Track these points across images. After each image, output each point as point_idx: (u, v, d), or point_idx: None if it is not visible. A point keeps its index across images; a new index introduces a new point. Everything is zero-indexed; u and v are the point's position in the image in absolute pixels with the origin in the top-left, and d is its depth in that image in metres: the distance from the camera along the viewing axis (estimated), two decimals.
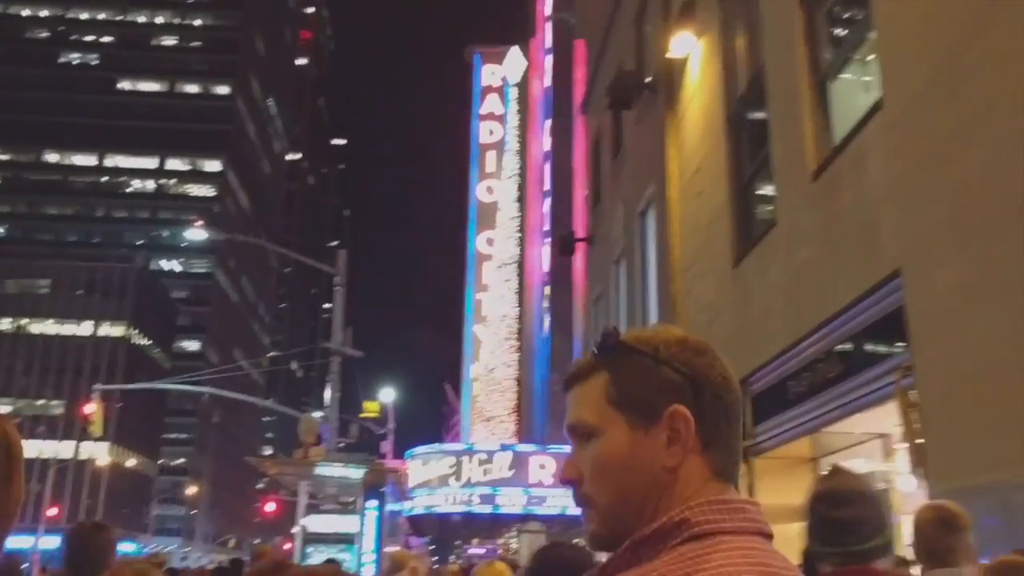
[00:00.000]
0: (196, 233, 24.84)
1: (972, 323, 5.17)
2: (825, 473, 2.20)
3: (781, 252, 8.12)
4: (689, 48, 11.30)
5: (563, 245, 17.96)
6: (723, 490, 1.10)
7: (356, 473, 12.42)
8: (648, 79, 13.17)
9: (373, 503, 11.12)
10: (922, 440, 5.59)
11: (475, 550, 45.82)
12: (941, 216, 5.51)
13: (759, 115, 9.24)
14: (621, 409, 1.14)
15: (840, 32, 7.56)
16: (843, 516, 1.99)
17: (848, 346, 6.81)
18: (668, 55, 11.66)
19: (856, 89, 7.33)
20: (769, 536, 1.08)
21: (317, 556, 11.95)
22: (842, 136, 7.03)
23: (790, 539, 7.55)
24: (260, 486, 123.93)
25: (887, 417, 6.98)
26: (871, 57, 6.83)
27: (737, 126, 9.94)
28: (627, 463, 1.12)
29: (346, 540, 12.15)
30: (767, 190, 8.93)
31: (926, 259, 5.63)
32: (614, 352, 1.19)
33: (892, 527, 2.03)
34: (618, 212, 15.25)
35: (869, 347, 6.46)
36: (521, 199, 38.63)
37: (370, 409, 38.64)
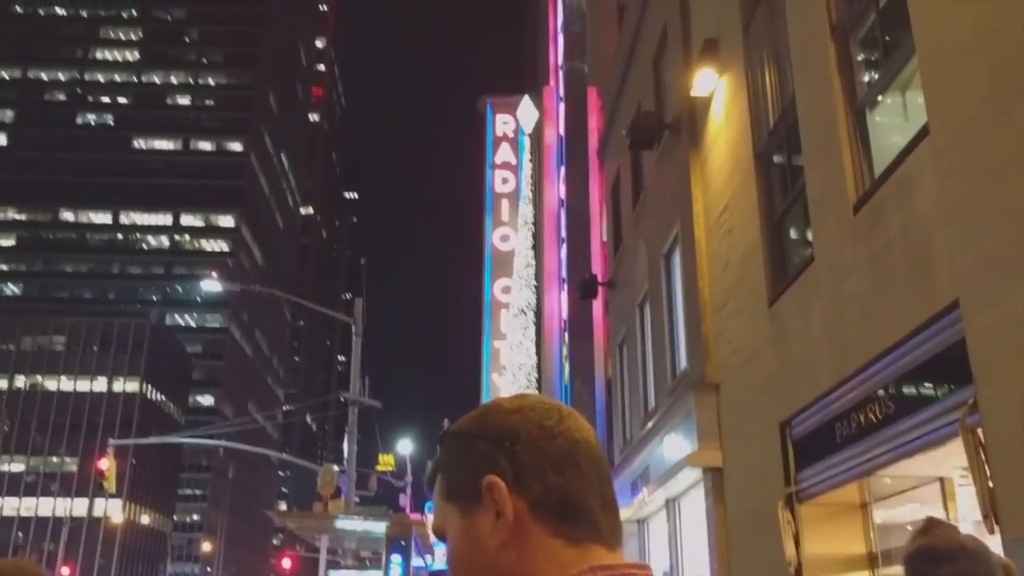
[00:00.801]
0: (211, 284, 24.63)
1: None
2: (920, 527, 1.93)
3: (822, 288, 7.82)
4: (712, 85, 11.13)
5: (585, 289, 17.70)
6: (580, 556, 0.95)
7: (377, 526, 12.01)
8: (669, 120, 13.00)
9: (397, 558, 10.73)
10: (991, 483, 5.22)
11: None
12: (1001, 241, 5.21)
13: (791, 149, 9.00)
14: (452, 500, 1.03)
15: (876, 58, 7.33)
16: (946, 574, 1.73)
17: (901, 384, 6.46)
18: (691, 93, 11.48)
19: (897, 116, 7.09)
20: None
21: None
22: (885, 165, 6.77)
23: None
24: (275, 542, 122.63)
25: (945, 459, 6.61)
26: (913, 81, 6.60)
27: (766, 162, 9.71)
28: (466, 557, 1.00)
29: None
30: (803, 225, 8.65)
31: (987, 288, 5.32)
32: (442, 447, 1.09)
33: None
34: (641, 254, 14.99)
35: (925, 384, 6.12)
36: (537, 247, 38.50)
37: (386, 463, 38.22)
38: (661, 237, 13.49)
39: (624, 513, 15.72)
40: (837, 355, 7.48)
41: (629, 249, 16.42)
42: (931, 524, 1.95)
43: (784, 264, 9.20)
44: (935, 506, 7.35)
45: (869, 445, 6.98)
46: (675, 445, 11.97)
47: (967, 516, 6.80)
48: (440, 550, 25.36)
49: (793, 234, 9.16)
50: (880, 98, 7.27)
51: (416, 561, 11.72)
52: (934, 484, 7.21)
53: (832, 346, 7.60)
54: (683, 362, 12.29)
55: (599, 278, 20.41)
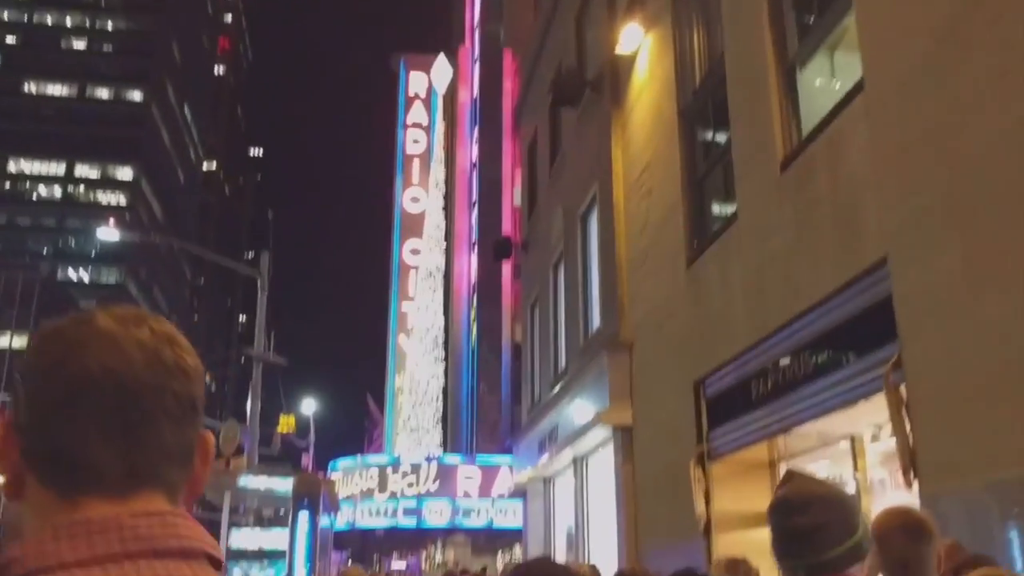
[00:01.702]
0: (108, 233, 23.49)
1: (967, 313, 4.85)
2: (781, 479, 1.88)
3: (744, 247, 7.79)
4: (637, 42, 10.98)
5: (498, 250, 17.50)
6: (66, 509, 0.84)
7: (283, 484, 11.63)
8: (592, 78, 12.82)
9: (305, 515, 10.40)
10: (911, 439, 5.25)
11: (397, 564, 44.89)
12: (931, 199, 5.20)
13: (716, 108, 8.93)
14: None
15: (810, 15, 7.27)
16: (800, 524, 1.77)
17: (823, 341, 6.47)
18: (616, 50, 11.32)
19: (828, 75, 7.06)
20: (162, 553, 0.82)
21: (241, 574, 11.17)
22: (815, 123, 6.73)
23: (753, 545, 7.14)
24: None
25: (859, 417, 6.67)
26: (845, 40, 6.55)
27: (690, 120, 9.63)
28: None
29: (269, 556, 11.36)
30: (726, 185, 8.61)
31: (915, 245, 5.32)
32: None
33: (864, 530, 1.74)
34: (557, 216, 14.85)
35: (848, 342, 6.12)
36: (447, 209, 38.10)
37: (287, 423, 37.53)
38: (578, 198, 13.36)
39: (530, 472, 15.71)
40: (757, 314, 7.48)
41: (544, 210, 16.27)
42: (789, 476, 1.93)
43: (704, 224, 9.17)
44: (845, 463, 7.45)
45: (786, 403, 7.01)
46: (586, 404, 11.94)
47: (876, 473, 6.91)
48: (348, 510, 25.01)
49: (715, 194, 9.12)
50: (813, 55, 7.21)
51: (322, 521, 11.43)
52: (845, 442, 7.30)
53: (752, 305, 7.59)
54: (596, 322, 12.25)
55: (513, 238, 20.24)
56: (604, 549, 12.06)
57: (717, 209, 8.98)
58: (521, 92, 19.67)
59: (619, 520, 10.67)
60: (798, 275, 6.81)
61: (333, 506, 14.30)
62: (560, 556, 14.83)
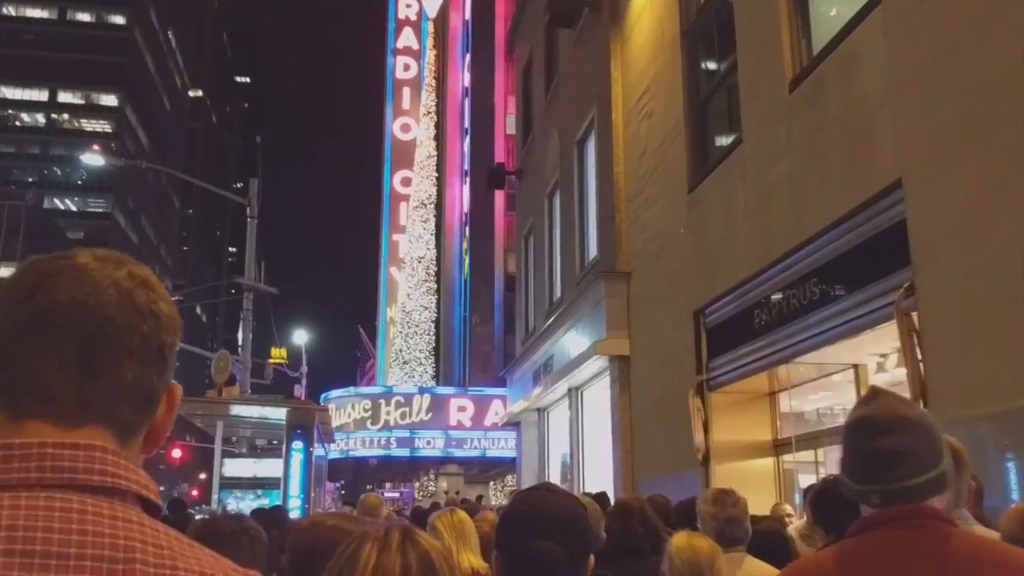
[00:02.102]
0: (93, 159, 22.90)
1: (984, 237, 4.66)
2: (863, 397, 1.69)
3: (748, 172, 7.55)
4: None
5: (492, 178, 17.18)
6: (16, 430, 0.85)
7: (275, 413, 11.52)
8: None
9: (299, 444, 10.30)
10: (923, 367, 5.10)
11: (390, 493, 45.46)
12: (950, 121, 4.96)
13: (722, 27, 8.59)
14: None
15: None
16: (885, 447, 1.60)
17: (831, 268, 6.28)
18: None
19: None
20: (82, 487, 0.81)
21: (235, 503, 11.16)
22: (827, 41, 6.43)
23: (751, 475, 7.02)
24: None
25: (862, 346, 6.54)
26: None
27: (693, 41, 9.28)
28: None
29: (264, 485, 11.33)
30: (730, 108, 8.32)
31: (932, 168, 5.09)
32: None
33: (948, 461, 1.54)
34: (552, 142, 14.52)
35: (858, 268, 5.93)
36: (439, 137, 37.47)
37: (278, 355, 37.53)
38: (575, 123, 13.02)
39: (524, 403, 15.68)
40: (761, 241, 7.27)
41: (540, 137, 15.91)
42: (873, 394, 1.74)
43: (706, 149, 8.91)
44: (847, 394, 7.35)
45: (789, 332, 6.85)
46: (582, 335, 11.81)
47: None
48: (341, 440, 25.10)
49: (718, 118, 8.83)
50: None
51: (317, 451, 11.34)
52: (848, 371, 7.19)
53: (756, 231, 7.38)
54: (593, 252, 12.04)
55: (507, 167, 19.86)
56: (599, 480, 12.06)
57: (720, 133, 8.70)
58: (516, 14, 19.10)
59: (615, 451, 10.63)
60: (805, 200, 6.59)
61: (327, 436, 14.24)
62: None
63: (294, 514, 9.17)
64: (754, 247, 7.38)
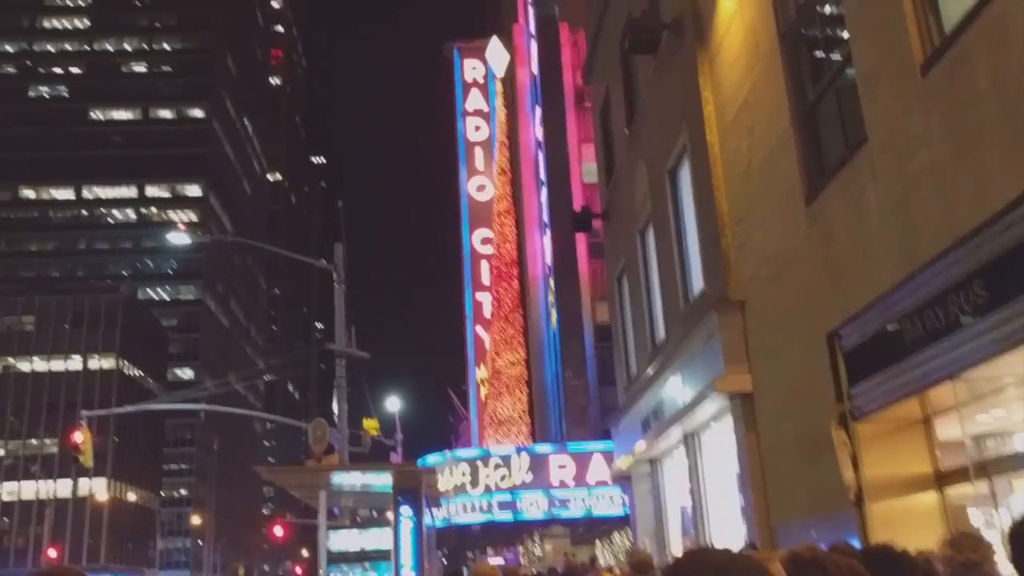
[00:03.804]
0: (179, 238, 23.27)
1: None
2: None
3: (879, 170, 6.77)
4: None
5: (578, 222, 16.63)
6: None
7: (380, 479, 10.96)
8: (669, 20, 11.83)
9: (407, 510, 9.66)
10: None
11: (494, 559, 44.41)
12: None
13: (827, 21, 7.90)
14: None
15: None
16: None
17: (998, 266, 5.43)
18: None
19: None
20: None
21: None
22: (966, 12, 5.68)
23: (913, 513, 6.02)
24: (265, 512, 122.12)
25: None
26: None
27: (795, 42, 8.59)
28: None
29: (371, 558, 10.73)
30: (847, 106, 7.58)
31: None
32: None
33: None
34: (640, 176, 13.90)
35: None
36: (515, 192, 37.28)
37: (370, 426, 37.30)
38: (664, 151, 12.39)
39: (633, 456, 14.83)
40: (904, 244, 6.46)
41: (625, 173, 15.31)
42: None
43: (821, 155, 8.14)
44: (1020, 408, 6.42)
45: (952, 343, 5.98)
46: (694, 374, 10.99)
47: None
48: (442, 506, 24.37)
49: (831, 120, 8.08)
50: None
51: (425, 518, 10.68)
52: (1018, 387, 6.26)
53: (896, 236, 6.57)
54: (698, 284, 11.27)
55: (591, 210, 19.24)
56: (726, 529, 11.12)
57: (836, 135, 7.93)
58: (588, 54, 18.71)
59: (745, 496, 9.72)
60: (957, 192, 5.78)
61: (433, 501, 13.61)
62: (674, 540, 13.93)
63: None
64: (895, 252, 6.57)
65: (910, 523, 7.21)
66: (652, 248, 13.63)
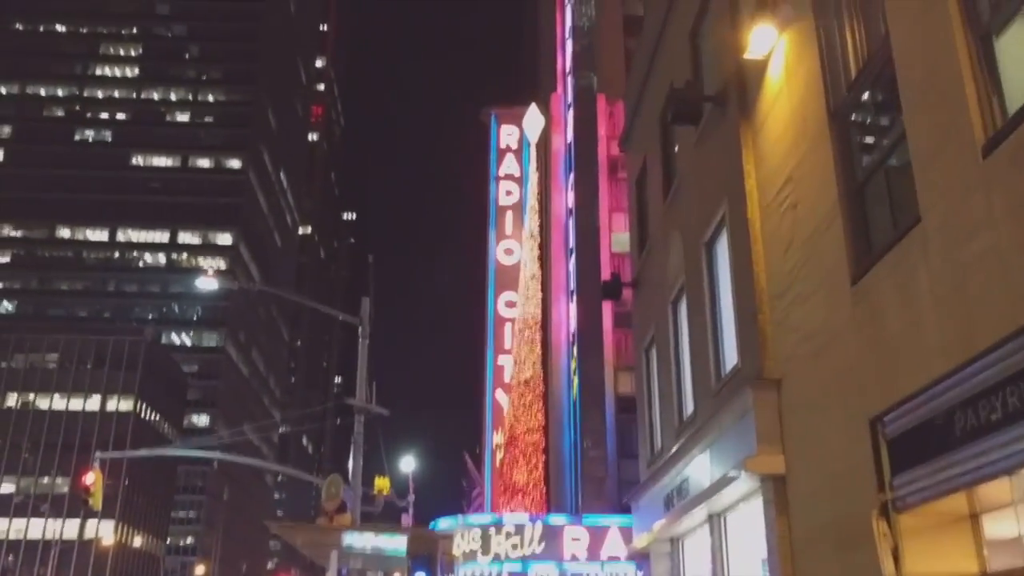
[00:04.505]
0: (207, 283, 23.35)
1: None
2: None
3: (933, 252, 6.53)
4: (770, 44, 9.90)
5: (608, 290, 16.41)
6: None
7: (391, 543, 10.62)
8: (713, 92, 11.77)
9: None
10: None
11: None
12: None
13: (879, 101, 7.76)
14: None
15: None
16: None
17: None
18: (744, 56, 10.25)
19: None
20: None
21: None
22: None
23: None
24: (270, 566, 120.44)
25: None
26: None
27: (844, 121, 8.44)
28: None
29: None
30: (897, 186, 7.38)
31: None
32: None
33: None
34: (675, 247, 13.72)
35: None
36: (543, 258, 37.22)
37: (381, 486, 36.72)
38: (702, 224, 12.22)
39: (652, 533, 14.36)
40: (957, 331, 6.19)
41: (659, 244, 15.14)
42: None
43: (869, 235, 7.92)
44: None
45: (1011, 437, 5.66)
46: (724, 452, 10.63)
47: None
48: (458, 572, 23.73)
49: (880, 199, 7.88)
50: (1013, 17, 6.01)
51: None
52: None
53: (950, 321, 6.30)
54: (732, 359, 10.98)
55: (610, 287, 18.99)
56: None
57: (885, 215, 7.72)
58: (627, 122, 18.74)
59: None
60: (1019, 278, 5.53)
61: (448, 567, 13.20)
62: None
63: None
64: (949, 338, 6.29)
65: None
66: (684, 320, 13.38)
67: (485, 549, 25.38)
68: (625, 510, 22.21)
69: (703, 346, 12.04)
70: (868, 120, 8.20)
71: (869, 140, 8.19)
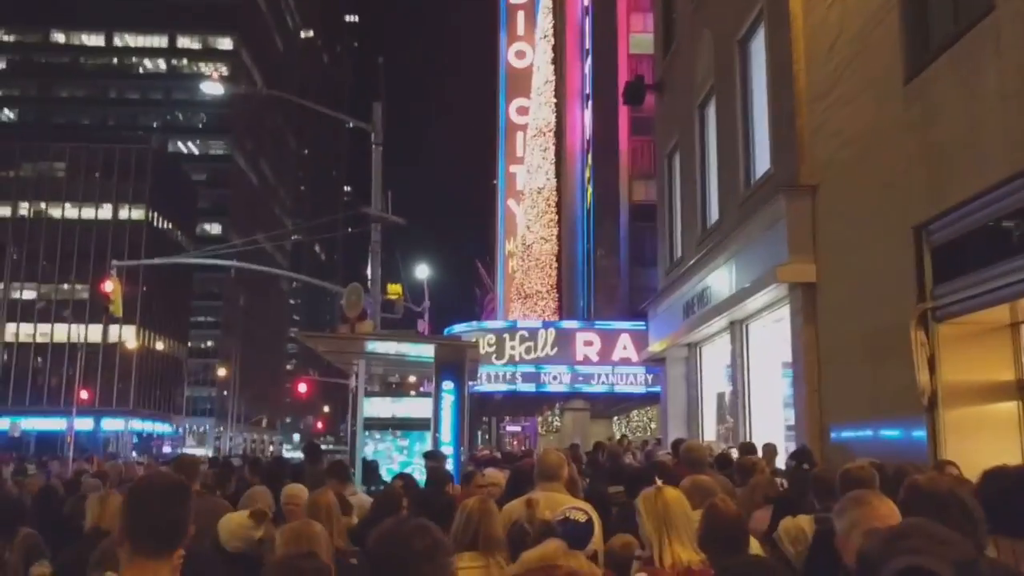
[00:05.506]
0: (212, 87, 22.40)
1: None
2: None
3: (1006, 44, 5.99)
4: None
5: (630, 93, 15.71)
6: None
7: (415, 350, 10.67)
8: None
9: (449, 384, 9.38)
10: None
11: (511, 427, 45.15)
12: None
13: None
14: None
15: None
16: None
17: None
18: None
19: None
20: None
21: (373, 444, 10.41)
22: None
23: (988, 422, 5.50)
24: (289, 367, 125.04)
25: None
26: None
27: None
28: None
29: (405, 426, 10.53)
30: None
31: None
32: None
33: None
34: (704, 47, 12.95)
35: None
36: (557, 61, 35.81)
37: (393, 291, 37.21)
38: (735, 20, 11.45)
39: (669, 339, 14.46)
40: None
41: (686, 44, 14.33)
42: None
43: (927, 28, 7.30)
44: None
45: None
46: (751, 261, 10.43)
47: None
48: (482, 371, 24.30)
49: None
50: None
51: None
52: None
53: (1018, 119, 5.85)
54: (764, 165, 10.57)
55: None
56: (767, 424, 10.80)
57: (948, 5, 7.08)
58: None
59: (797, 391, 9.30)
60: None
61: (471, 374, 13.38)
62: (708, 426, 13.70)
63: (448, 464, 8.29)
64: (1013, 141, 5.87)
65: (984, 432, 6.79)
66: (712, 125, 12.84)
67: (499, 353, 25.96)
68: (637, 316, 22.42)
69: (732, 152, 11.59)
70: None
71: None
